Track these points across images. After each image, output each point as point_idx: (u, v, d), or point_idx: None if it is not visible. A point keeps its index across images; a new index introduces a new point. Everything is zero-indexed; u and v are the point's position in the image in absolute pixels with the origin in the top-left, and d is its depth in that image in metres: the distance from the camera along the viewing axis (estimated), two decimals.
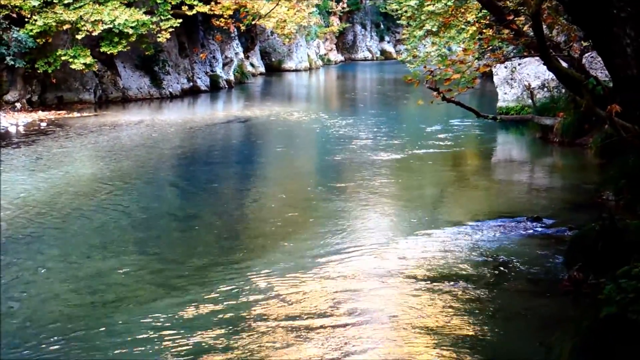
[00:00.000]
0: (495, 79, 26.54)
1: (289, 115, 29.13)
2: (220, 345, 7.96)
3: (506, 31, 15.32)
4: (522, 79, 25.06)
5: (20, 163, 18.22)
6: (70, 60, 28.18)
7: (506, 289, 9.75)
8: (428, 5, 21.20)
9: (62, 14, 27.62)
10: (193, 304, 9.15)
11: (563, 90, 21.45)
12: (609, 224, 9.77)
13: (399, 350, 7.88)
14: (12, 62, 27.10)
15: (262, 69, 50.45)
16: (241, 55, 45.11)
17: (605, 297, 6.61)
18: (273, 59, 54.15)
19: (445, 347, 7.91)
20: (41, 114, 26.97)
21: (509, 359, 7.76)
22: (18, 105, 27.89)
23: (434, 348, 7.91)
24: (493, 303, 9.25)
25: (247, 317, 8.76)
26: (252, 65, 48.43)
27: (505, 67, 25.48)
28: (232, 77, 41.16)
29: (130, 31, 28.87)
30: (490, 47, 18.39)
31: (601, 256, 9.30)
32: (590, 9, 5.67)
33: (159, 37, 30.09)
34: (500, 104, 25.98)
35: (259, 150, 22.26)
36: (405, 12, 24.98)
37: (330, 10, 64.79)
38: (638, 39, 5.43)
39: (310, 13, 44.91)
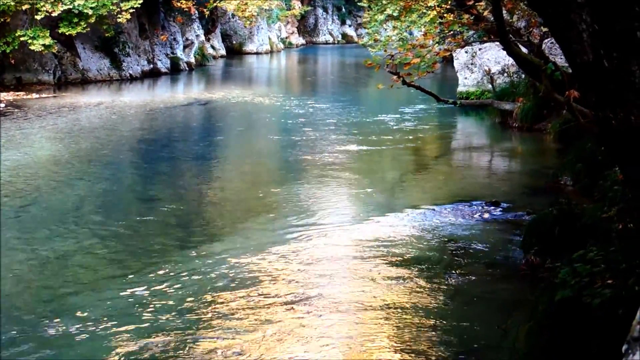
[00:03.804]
0: (455, 63, 26.61)
1: (250, 98, 29.00)
2: (178, 328, 7.95)
3: (466, 16, 15.41)
4: (483, 64, 25.17)
5: None
6: (29, 41, 27.74)
7: (464, 273, 9.82)
8: None
9: None
10: (152, 287, 9.12)
11: (523, 76, 21.58)
12: (566, 208, 9.89)
13: (356, 334, 7.92)
14: None
15: (223, 52, 50.06)
16: (202, 37, 44.75)
17: (561, 280, 6.68)
18: (234, 42, 53.73)
19: (403, 331, 7.96)
20: None
21: (468, 342, 7.82)
22: None
23: (392, 332, 7.96)
24: (451, 287, 9.32)
25: (206, 300, 8.75)
26: (213, 47, 48.06)
27: (466, 52, 25.56)
28: (192, 60, 40.84)
29: (90, 12, 28.49)
30: (451, 32, 18.45)
31: (558, 240, 9.40)
32: None
33: (119, 17, 29.60)
34: (460, 88, 26.06)
35: (219, 133, 22.17)
36: None
37: None
38: (594, 25, 5.49)
39: None
